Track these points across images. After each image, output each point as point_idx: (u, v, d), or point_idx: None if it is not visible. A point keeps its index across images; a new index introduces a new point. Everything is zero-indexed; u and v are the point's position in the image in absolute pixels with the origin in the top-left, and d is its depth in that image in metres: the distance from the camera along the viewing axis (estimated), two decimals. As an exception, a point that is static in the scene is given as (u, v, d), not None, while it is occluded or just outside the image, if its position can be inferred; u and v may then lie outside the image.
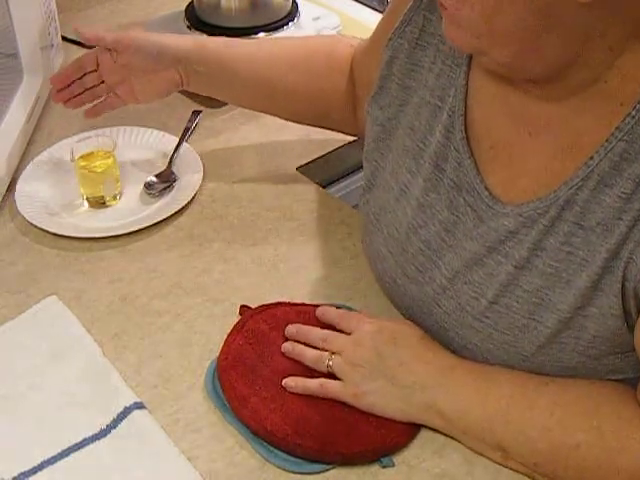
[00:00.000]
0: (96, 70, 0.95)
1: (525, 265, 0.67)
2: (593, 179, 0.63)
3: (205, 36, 1.10)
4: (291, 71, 0.94)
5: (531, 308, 0.67)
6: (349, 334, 0.75)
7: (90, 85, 0.95)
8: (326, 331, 0.76)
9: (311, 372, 0.74)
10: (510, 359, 0.70)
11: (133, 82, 0.94)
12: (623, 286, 0.63)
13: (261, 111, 1.02)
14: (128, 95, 0.96)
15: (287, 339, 0.77)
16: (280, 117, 1.01)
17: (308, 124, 1.02)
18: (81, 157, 0.96)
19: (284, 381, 0.73)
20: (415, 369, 0.71)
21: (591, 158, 0.63)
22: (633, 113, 0.61)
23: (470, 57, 0.72)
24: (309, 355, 0.74)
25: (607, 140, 0.62)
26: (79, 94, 0.96)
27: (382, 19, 0.86)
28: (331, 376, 0.73)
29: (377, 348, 0.72)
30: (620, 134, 0.61)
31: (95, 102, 0.98)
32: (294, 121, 1.02)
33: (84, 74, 0.95)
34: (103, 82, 0.95)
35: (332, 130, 1.01)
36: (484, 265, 0.70)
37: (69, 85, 0.95)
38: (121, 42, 0.92)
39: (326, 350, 0.74)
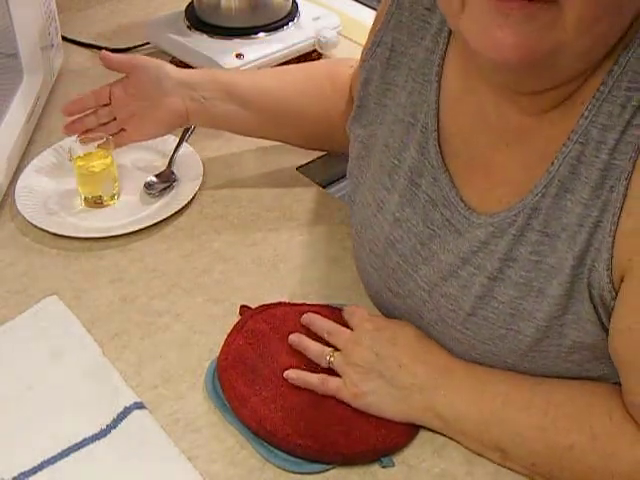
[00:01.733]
0: (109, 104, 0.94)
1: (497, 276, 0.67)
2: (554, 185, 0.63)
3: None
4: (299, 96, 0.95)
5: (508, 319, 0.67)
6: (352, 330, 0.75)
7: (104, 121, 0.95)
8: (332, 324, 0.76)
9: (312, 371, 0.74)
10: (495, 366, 0.70)
11: (140, 115, 0.94)
12: (590, 293, 0.63)
13: (268, 138, 1.02)
14: (136, 131, 0.95)
15: (287, 339, 0.77)
16: (288, 143, 1.01)
17: (314, 148, 1.03)
18: (79, 157, 0.96)
19: (286, 373, 0.73)
20: (414, 370, 0.71)
21: (552, 164, 0.63)
22: (585, 113, 0.60)
23: (439, 74, 0.72)
24: (312, 348, 0.75)
25: (564, 144, 0.62)
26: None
27: (367, 39, 0.86)
28: (333, 372, 0.73)
29: (376, 348, 0.72)
30: (575, 136, 0.61)
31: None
32: (300, 146, 1.02)
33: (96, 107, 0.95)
34: (115, 119, 0.95)
35: (336, 152, 1.02)
36: (458, 277, 0.70)
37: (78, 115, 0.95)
38: (129, 62, 0.93)
39: (329, 344, 0.75)
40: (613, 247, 0.60)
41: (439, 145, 0.71)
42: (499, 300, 0.67)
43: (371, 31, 0.83)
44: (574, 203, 0.62)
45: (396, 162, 0.75)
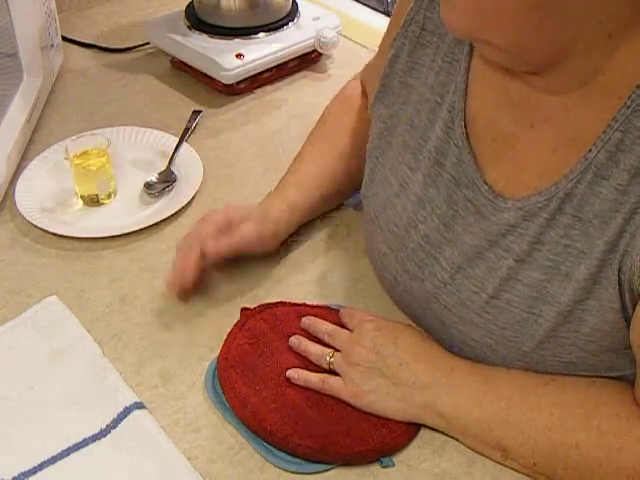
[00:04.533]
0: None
1: (525, 259, 0.67)
2: (591, 171, 0.63)
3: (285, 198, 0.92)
4: (341, 159, 0.93)
5: (531, 302, 0.67)
6: (352, 331, 0.75)
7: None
8: (332, 326, 0.77)
9: (312, 371, 0.74)
10: (509, 355, 0.70)
11: None
12: (619, 279, 0.63)
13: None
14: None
15: (287, 339, 0.77)
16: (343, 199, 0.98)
17: None
18: (76, 155, 0.96)
19: (287, 372, 0.73)
20: (415, 369, 0.71)
21: (589, 151, 0.63)
22: (628, 103, 0.61)
23: (470, 54, 0.72)
24: (312, 350, 0.75)
25: (604, 132, 0.62)
26: None
27: (385, 33, 0.87)
28: (334, 373, 0.73)
29: (377, 347, 0.72)
30: (616, 124, 0.61)
31: None
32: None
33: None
34: None
35: None
36: (485, 259, 0.70)
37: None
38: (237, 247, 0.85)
39: (330, 345, 0.75)
40: None
41: (465, 126, 0.71)
42: (524, 282, 0.67)
43: (392, 22, 0.83)
44: (609, 190, 0.62)
45: (421, 142, 0.75)
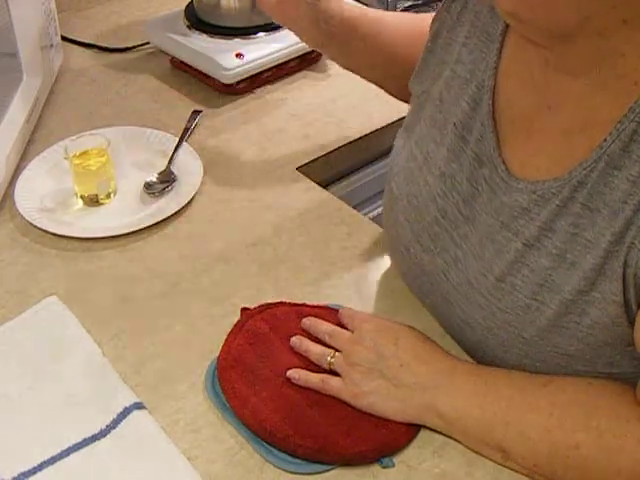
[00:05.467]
0: None
1: (534, 244, 0.67)
2: (603, 160, 0.63)
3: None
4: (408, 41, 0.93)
5: (535, 288, 0.67)
6: (352, 331, 0.75)
7: None
8: (332, 326, 0.77)
9: (313, 372, 0.74)
10: (509, 340, 0.70)
11: None
12: (624, 272, 0.62)
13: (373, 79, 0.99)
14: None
15: (288, 339, 0.77)
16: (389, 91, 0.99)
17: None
18: (75, 155, 0.96)
19: (288, 372, 0.73)
20: (416, 370, 0.71)
21: (605, 140, 0.62)
22: None
23: (503, 34, 0.72)
24: (313, 351, 0.75)
25: (620, 121, 0.61)
26: None
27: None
28: (334, 374, 0.73)
29: (378, 348, 0.72)
30: (632, 115, 0.61)
31: None
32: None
33: None
34: None
35: None
36: (494, 241, 0.70)
37: None
38: None
39: (331, 346, 0.75)
40: None
41: (492, 104, 0.72)
42: (530, 268, 0.67)
43: None
44: (620, 180, 0.62)
45: (447, 116, 0.76)
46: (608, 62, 0.62)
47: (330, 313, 0.80)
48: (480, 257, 0.71)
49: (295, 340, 0.76)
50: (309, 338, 0.77)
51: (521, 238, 0.68)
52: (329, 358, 0.74)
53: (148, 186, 0.99)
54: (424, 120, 0.79)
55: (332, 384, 0.72)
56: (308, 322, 0.78)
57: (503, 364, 0.72)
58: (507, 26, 0.72)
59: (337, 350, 0.74)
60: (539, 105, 0.68)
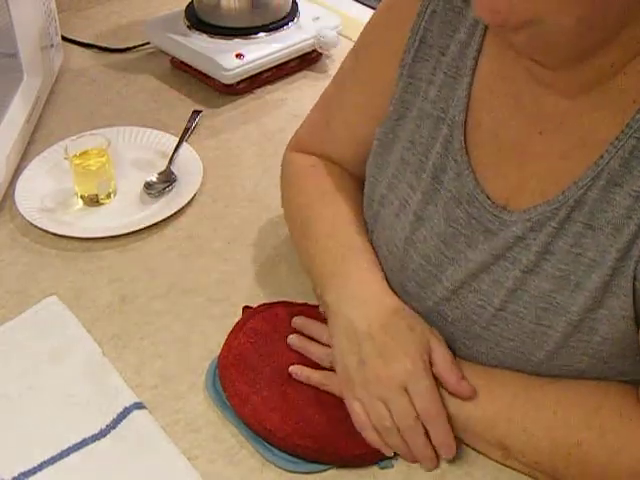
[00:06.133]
0: None
1: (533, 269, 0.66)
2: (603, 178, 0.62)
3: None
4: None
5: (539, 313, 0.66)
6: None
7: None
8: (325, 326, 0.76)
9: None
10: (518, 365, 0.69)
11: None
12: (634, 286, 0.62)
13: None
14: None
15: (288, 338, 0.77)
16: None
17: None
18: (76, 155, 0.96)
19: (290, 368, 0.73)
20: None
21: (601, 157, 0.62)
22: None
23: (474, 67, 0.70)
24: (312, 350, 0.75)
25: (617, 138, 0.61)
26: None
27: (352, 62, 0.82)
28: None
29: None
30: (630, 131, 0.60)
31: None
32: None
33: None
34: None
35: None
36: (490, 272, 0.68)
37: None
38: None
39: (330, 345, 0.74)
40: None
41: (465, 140, 0.70)
42: (532, 294, 0.66)
43: (392, 24, 0.78)
44: (622, 196, 0.61)
45: (423, 159, 0.73)
46: (609, 82, 0.62)
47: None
48: (475, 291, 0.69)
49: (293, 338, 0.76)
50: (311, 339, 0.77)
51: (518, 266, 0.66)
52: (331, 357, 0.73)
53: (148, 186, 0.99)
54: (394, 164, 0.76)
55: (333, 381, 0.72)
56: (300, 321, 0.78)
57: None
58: (476, 60, 0.69)
59: None
60: (529, 132, 0.67)
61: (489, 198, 0.68)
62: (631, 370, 0.67)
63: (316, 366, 0.74)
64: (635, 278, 0.61)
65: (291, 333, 0.77)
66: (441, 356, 0.69)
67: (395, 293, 0.75)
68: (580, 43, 0.59)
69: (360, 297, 0.73)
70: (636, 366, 0.66)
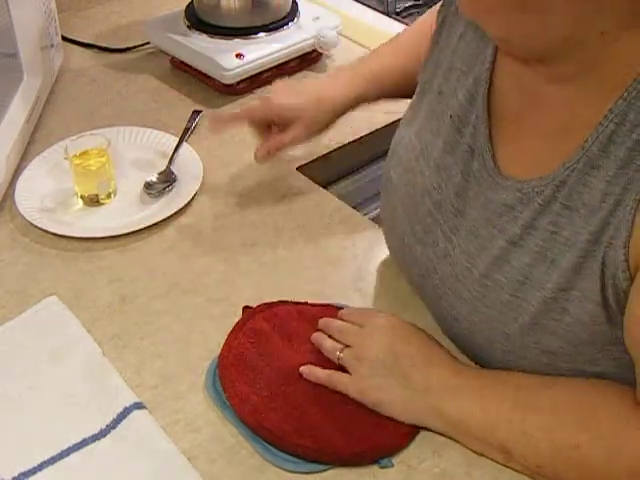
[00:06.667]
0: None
1: (517, 242, 0.68)
2: (582, 161, 0.63)
3: (351, 68, 1.01)
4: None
5: (517, 286, 0.68)
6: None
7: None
8: (343, 323, 0.77)
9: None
10: (492, 335, 0.70)
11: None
12: (602, 272, 0.63)
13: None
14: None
15: (289, 338, 0.77)
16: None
17: None
18: (76, 155, 0.96)
19: (300, 369, 0.74)
20: (426, 372, 0.71)
21: (586, 141, 0.63)
22: (625, 95, 0.61)
23: None
24: (325, 344, 0.76)
25: (600, 123, 0.62)
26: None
27: None
28: (343, 371, 0.73)
29: (391, 345, 0.72)
30: (611, 115, 0.62)
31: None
32: None
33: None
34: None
35: None
36: (479, 236, 0.71)
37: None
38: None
39: (341, 342, 0.75)
40: (633, 225, 0.60)
41: (488, 98, 0.72)
42: (513, 265, 0.68)
43: None
44: (599, 180, 0.62)
45: (445, 108, 0.76)
46: (590, 73, 0.63)
47: (331, 312, 0.80)
48: (466, 252, 0.72)
49: (315, 335, 0.77)
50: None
51: (505, 236, 0.69)
52: (338, 352, 0.74)
53: (148, 186, 0.99)
54: (424, 111, 0.80)
55: (339, 379, 0.72)
56: (323, 322, 0.78)
57: (488, 360, 0.72)
58: None
59: (346, 345, 0.74)
60: (526, 106, 0.69)
61: (493, 159, 0.71)
62: (599, 360, 0.67)
63: (320, 365, 0.74)
64: (604, 264, 0.62)
65: (292, 333, 0.78)
66: None
67: (403, 233, 0.80)
68: (519, 46, 0.65)
69: None
70: (604, 356, 0.67)
